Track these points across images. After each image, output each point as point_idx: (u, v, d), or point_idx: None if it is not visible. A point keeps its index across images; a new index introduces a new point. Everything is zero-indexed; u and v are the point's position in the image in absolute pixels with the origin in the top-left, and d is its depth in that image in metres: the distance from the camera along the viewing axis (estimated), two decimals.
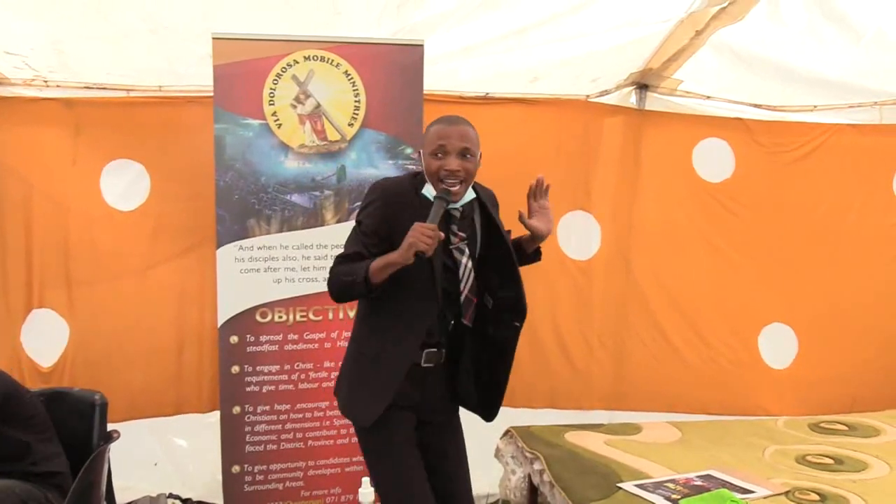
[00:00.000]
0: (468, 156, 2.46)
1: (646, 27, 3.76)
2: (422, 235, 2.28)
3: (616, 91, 4.37)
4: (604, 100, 4.39)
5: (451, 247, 2.50)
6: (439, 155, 2.44)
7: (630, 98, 4.40)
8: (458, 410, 2.73)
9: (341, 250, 2.52)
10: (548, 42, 3.77)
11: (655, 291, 4.38)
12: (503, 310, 2.56)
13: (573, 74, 4.14)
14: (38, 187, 3.90)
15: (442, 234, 2.35)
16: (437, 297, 2.47)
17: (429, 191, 2.48)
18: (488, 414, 2.68)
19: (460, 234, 2.52)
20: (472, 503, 2.69)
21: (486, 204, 2.60)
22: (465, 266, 2.52)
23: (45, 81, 3.89)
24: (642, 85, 4.34)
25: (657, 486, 3.00)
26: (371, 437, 2.54)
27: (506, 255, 2.56)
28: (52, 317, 3.91)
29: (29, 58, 3.68)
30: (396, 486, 2.47)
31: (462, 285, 2.52)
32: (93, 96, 3.95)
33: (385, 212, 2.46)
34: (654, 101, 4.38)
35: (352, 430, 3.53)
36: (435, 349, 2.55)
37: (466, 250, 2.53)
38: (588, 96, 4.37)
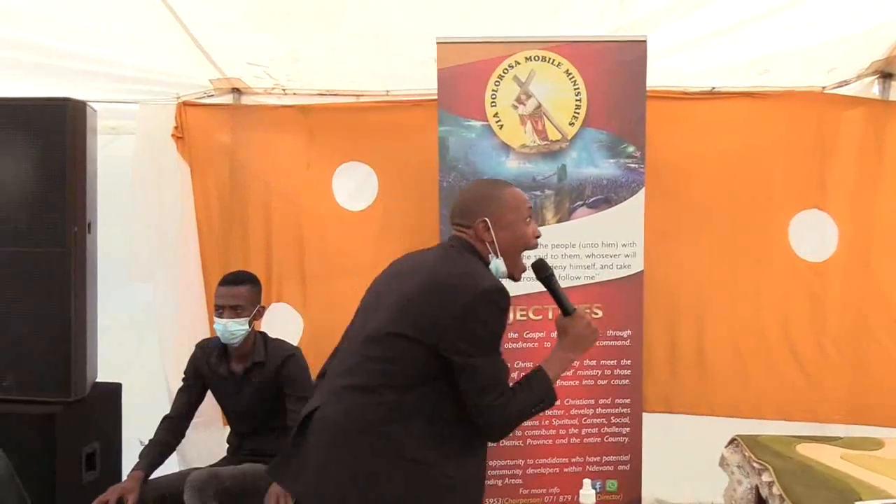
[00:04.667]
0: None
1: (890, 11, 3.49)
2: (592, 319, 2.18)
3: (856, 81, 4.07)
4: (842, 91, 4.10)
5: None
6: (529, 220, 2.27)
7: (872, 88, 4.09)
8: None
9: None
10: (779, 30, 3.60)
11: None
12: None
13: (807, 65, 3.92)
14: (277, 189, 4.17)
15: None
16: None
17: (498, 268, 2.23)
18: None
19: None
20: None
21: None
22: None
23: (284, 90, 4.17)
24: (887, 74, 4.02)
25: None
26: None
27: None
28: (289, 311, 4.18)
29: (269, 68, 3.95)
30: None
31: None
32: (325, 102, 4.17)
33: (507, 316, 2.17)
34: None
35: (571, 430, 3.55)
36: None
37: None
38: (824, 88, 4.10)
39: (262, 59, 3.87)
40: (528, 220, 2.25)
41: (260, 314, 3.26)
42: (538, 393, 2.13)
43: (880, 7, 3.47)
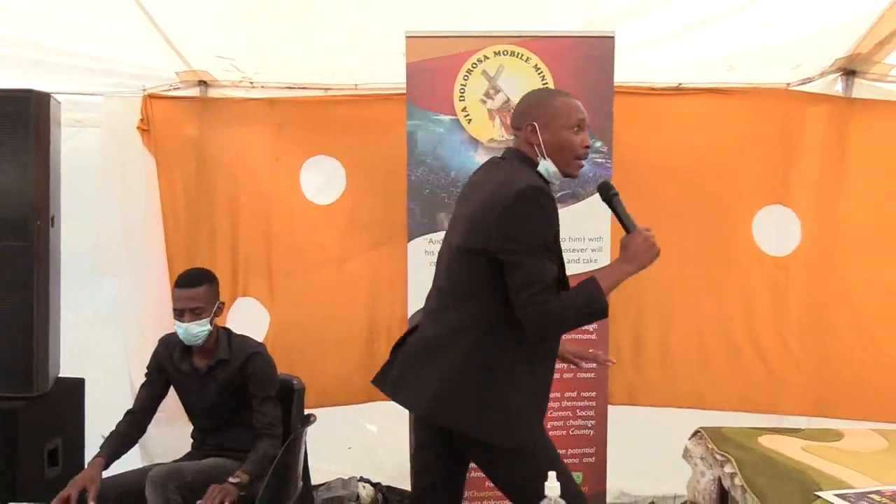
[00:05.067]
0: None
1: (854, 8, 3.53)
2: (654, 239, 2.26)
3: (820, 78, 4.12)
4: (806, 88, 4.15)
5: None
6: (578, 129, 2.34)
7: (836, 85, 4.14)
8: None
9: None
10: (745, 27, 3.63)
11: (862, 291, 4.09)
12: None
13: (773, 61, 3.96)
14: (244, 183, 4.15)
15: None
16: None
17: (547, 168, 2.34)
18: None
19: None
20: None
21: None
22: None
23: (251, 83, 4.14)
24: (850, 71, 4.07)
25: (860, 498, 2.82)
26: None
27: None
28: (255, 305, 4.16)
29: (237, 60, 3.92)
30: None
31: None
32: (293, 96, 4.15)
33: (556, 216, 2.27)
34: (862, 89, 4.08)
35: None
36: None
37: None
38: (789, 84, 4.15)
39: (230, 51, 3.84)
40: (575, 128, 2.32)
41: (220, 311, 3.20)
42: (584, 297, 2.20)
43: (843, 5, 3.51)
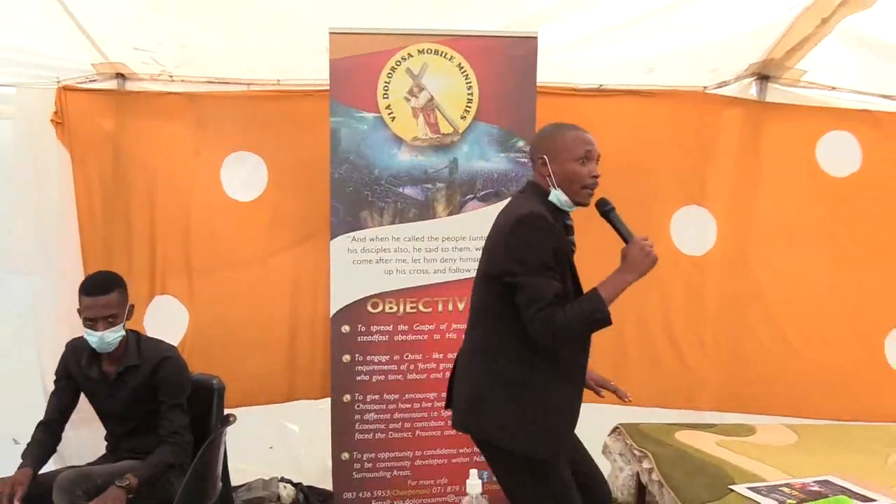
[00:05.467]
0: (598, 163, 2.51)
1: (769, 15, 3.64)
2: (651, 248, 2.39)
3: (735, 82, 4.24)
4: (722, 91, 4.26)
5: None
6: (585, 161, 2.47)
7: (750, 89, 4.26)
8: None
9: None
10: (665, 31, 3.69)
11: (775, 289, 4.23)
12: None
13: (691, 65, 4.04)
14: (163, 178, 4.05)
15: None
16: None
17: (558, 197, 2.49)
18: None
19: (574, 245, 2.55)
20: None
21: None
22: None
23: (171, 76, 4.05)
24: (763, 76, 4.19)
25: (771, 490, 2.90)
26: (546, 466, 2.48)
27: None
28: (174, 303, 4.07)
29: (156, 53, 3.83)
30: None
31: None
32: (214, 90, 4.07)
33: (556, 238, 2.43)
34: (775, 93, 4.22)
35: None
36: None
37: None
38: (706, 88, 4.26)
39: (149, 44, 3.75)
40: (582, 160, 2.46)
41: (131, 314, 3.10)
42: (588, 307, 2.35)
43: (759, 11, 3.61)
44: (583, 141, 2.48)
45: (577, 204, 2.50)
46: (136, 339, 3.12)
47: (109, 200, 4.01)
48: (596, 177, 2.48)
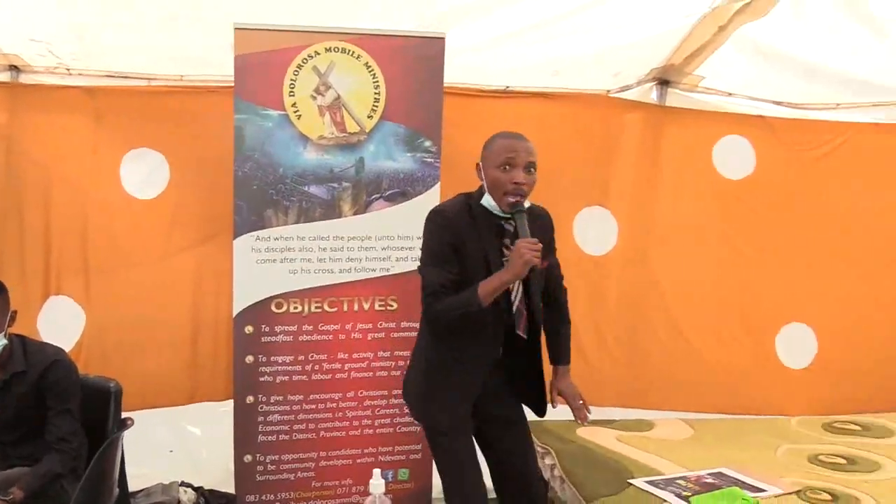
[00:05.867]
0: (532, 170, 2.57)
1: (668, 22, 3.74)
2: (529, 251, 2.42)
3: (637, 86, 4.34)
4: (625, 95, 4.36)
5: (503, 259, 2.59)
6: (506, 168, 2.55)
7: (651, 94, 4.37)
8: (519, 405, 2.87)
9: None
10: (570, 35, 3.75)
11: (673, 288, 4.35)
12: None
13: (595, 69, 4.11)
14: (58, 175, 3.91)
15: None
16: (500, 309, 2.63)
17: (488, 201, 2.60)
18: (540, 409, 2.85)
19: (511, 248, 2.58)
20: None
21: (535, 220, 2.68)
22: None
23: (68, 69, 3.91)
24: (663, 81, 4.31)
25: (668, 483, 2.99)
26: (443, 436, 2.71)
27: (540, 274, 2.68)
28: (69, 304, 3.93)
29: (53, 45, 3.70)
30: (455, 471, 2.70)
31: (513, 297, 2.67)
32: (114, 85, 3.96)
33: (452, 233, 2.58)
34: (674, 98, 4.34)
35: (364, 421, 3.61)
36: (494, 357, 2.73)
37: None
38: (609, 91, 4.34)
39: (45, 35, 3.61)
40: (503, 167, 2.55)
41: (13, 320, 2.95)
42: (462, 299, 2.52)
43: (660, 18, 3.69)
44: (505, 148, 2.56)
45: (521, 211, 2.55)
46: (21, 344, 2.98)
47: (1, 197, 3.85)
48: (518, 184, 2.53)
